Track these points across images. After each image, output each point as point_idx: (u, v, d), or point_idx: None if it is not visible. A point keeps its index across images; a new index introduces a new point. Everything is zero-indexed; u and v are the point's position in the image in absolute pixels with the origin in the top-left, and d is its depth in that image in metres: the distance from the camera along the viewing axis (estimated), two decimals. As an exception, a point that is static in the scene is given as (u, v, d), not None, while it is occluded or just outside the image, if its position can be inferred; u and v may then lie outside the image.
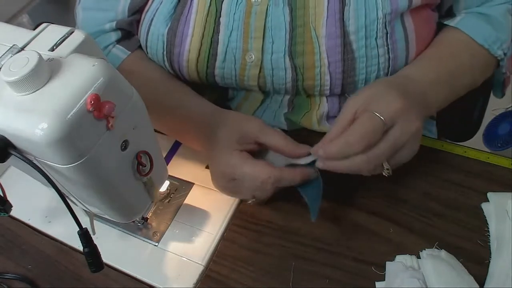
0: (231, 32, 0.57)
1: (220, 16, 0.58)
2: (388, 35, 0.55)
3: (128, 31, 0.67)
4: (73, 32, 0.39)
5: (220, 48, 0.58)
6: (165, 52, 0.61)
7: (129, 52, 0.66)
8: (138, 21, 0.65)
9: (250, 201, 0.54)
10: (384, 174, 0.50)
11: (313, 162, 0.51)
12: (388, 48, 0.55)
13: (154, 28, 0.61)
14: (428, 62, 0.57)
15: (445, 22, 0.61)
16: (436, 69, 0.56)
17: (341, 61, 0.55)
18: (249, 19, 0.57)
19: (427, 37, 0.60)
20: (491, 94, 0.72)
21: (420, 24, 0.57)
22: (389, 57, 0.56)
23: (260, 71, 0.59)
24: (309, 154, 0.52)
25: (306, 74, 0.57)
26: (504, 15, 0.58)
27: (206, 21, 0.58)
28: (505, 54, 0.59)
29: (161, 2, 0.60)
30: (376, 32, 0.54)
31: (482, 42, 0.57)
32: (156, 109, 0.59)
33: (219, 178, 0.55)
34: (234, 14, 0.57)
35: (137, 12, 0.64)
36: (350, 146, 0.47)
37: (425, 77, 0.54)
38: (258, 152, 0.55)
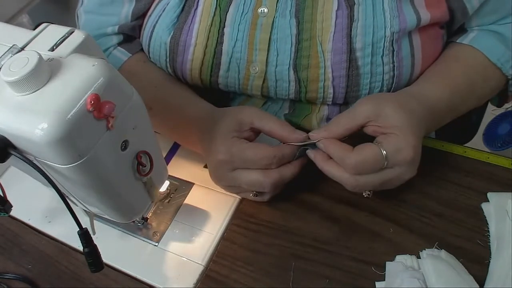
0: (235, 43, 0.57)
1: (224, 27, 0.57)
2: (395, 52, 0.54)
3: (130, 35, 0.67)
4: (73, 32, 0.39)
5: (224, 58, 0.58)
6: (168, 60, 0.61)
7: (130, 55, 0.66)
8: (140, 26, 0.65)
9: (251, 194, 0.54)
10: (363, 195, 0.51)
11: (305, 149, 0.51)
12: (394, 66, 0.55)
13: (157, 36, 0.61)
14: (445, 86, 0.56)
15: (458, 40, 0.60)
16: (450, 95, 0.55)
17: (345, 76, 0.55)
18: (255, 31, 0.56)
19: (434, 54, 0.59)
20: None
21: (427, 42, 0.57)
22: (394, 74, 0.56)
23: (263, 82, 0.58)
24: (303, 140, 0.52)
25: (310, 87, 0.57)
26: None
27: (209, 31, 0.58)
28: None
29: (164, 9, 0.60)
30: (383, 50, 0.54)
31: (495, 61, 0.57)
32: (156, 110, 0.59)
33: (219, 168, 0.53)
34: (239, 25, 0.57)
35: (140, 17, 0.64)
36: (343, 164, 0.48)
37: (440, 102, 0.54)
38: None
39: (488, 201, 0.53)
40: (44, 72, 0.34)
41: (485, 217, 0.52)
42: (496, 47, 0.58)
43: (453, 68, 0.58)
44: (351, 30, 0.54)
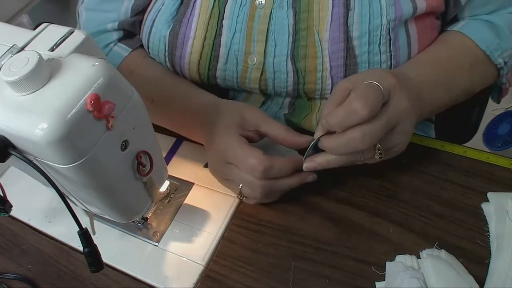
0: (233, 35, 0.57)
1: (223, 19, 0.58)
2: (392, 41, 0.54)
3: (130, 32, 0.67)
4: (73, 32, 0.39)
5: (222, 51, 0.58)
6: (166, 54, 0.61)
7: (131, 50, 0.66)
8: (140, 22, 0.66)
9: (237, 196, 0.54)
10: (376, 157, 0.48)
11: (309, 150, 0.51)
12: (391, 55, 0.55)
13: (156, 30, 0.61)
14: (425, 62, 0.57)
15: (449, 28, 0.61)
16: (432, 70, 0.56)
17: (343, 66, 0.55)
18: (253, 22, 0.57)
19: (430, 44, 0.59)
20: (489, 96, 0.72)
21: (423, 32, 0.57)
22: (391, 63, 0.56)
23: (261, 74, 0.59)
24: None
25: (308, 78, 0.57)
26: (509, 24, 0.58)
27: (208, 23, 0.58)
28: (505, 63, 0.59)
29: (163, 3, 0.61)
30: (380, 38, 0.54)
31: (484, 48, 0.57)
32: (159, 103, 0.60)
33: (216, 159, 0.53)
34: (237, 16, 0.57)
35: (140, 12, 0.64)
36: (355, 112, 0.44)
37: (420, 77, 0.54)
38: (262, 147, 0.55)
39: (488, 201, 0.53)
40: (44, 72, 0.35)
41: (485, 217, 0.52)
42: (486, 35, 0.58)
43: (437, 49, 0.58)
44: (347, 18, 0.54)
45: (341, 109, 0.45)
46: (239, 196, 0.54)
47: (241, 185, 0.52)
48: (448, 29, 0.61)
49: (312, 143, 0.50)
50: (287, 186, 0.53)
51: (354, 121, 0.45)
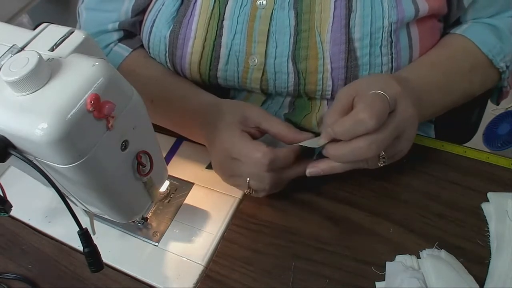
0: (234, 35, 0.57)
1: (223, 19, 0.58)
2: (393, 44, 0.54)
3: (130, 32, 0.67)
4: (73, 32, 0.39)
5: (223, 51, 0.58)
6: (167, 54, 0.61)
7: (131, 50, 0.66)
8: (140, 22, 0.66)
9: (246, 191, 0.54)
10: (379, 164, 0.49)
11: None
12: (392, 57, 0.55)
13: (156, 30, 0.61)
14: (426, 64, 0.57)
15: (451, 31, 0.61)
16: (432, 72, 0.56)
17: (344, 67, 0.55)
18: (254, 23, 0.57)
19: (431, 47, 0.59)
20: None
21: (425, 34, 0.57)
22: (392, 66, 0.56)
23: (262, 75, 0.58)
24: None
25: (309, 79, 0.57)
26: (509, 27, 0.58)
27: (209, 24, 0.58)
28: (507, 66, 0.59)
29: (164, 3, 0.60)
30: (381, 40, 0.54)
31: (487, 52, 0.57)
32: (159, 103, 0.60)
33: (220, 157, 0.53)
34: (238, 17, 0.57)
35: (140, 13, 0.64)
36: (363, 123, 0.44)
37: (420, 79, 0.54)
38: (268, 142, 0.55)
39: (488, 201, 0.53)
40: (44, 72, 0.35)
41: (485, 217, 0.52)
42: (488, 38, 0.58)
43: (438, 51, 0.58)
44: (349, 20, 0.54)
45: (348, 119, 0.45)
46: (248, 191, 0.53)
47: (248, 179, 0.52)
48: (450, 32, 0.61)
49: (316, 149, 0.50)
50: (294, 176, 0.53)
51: (361, 131, 0.45)
